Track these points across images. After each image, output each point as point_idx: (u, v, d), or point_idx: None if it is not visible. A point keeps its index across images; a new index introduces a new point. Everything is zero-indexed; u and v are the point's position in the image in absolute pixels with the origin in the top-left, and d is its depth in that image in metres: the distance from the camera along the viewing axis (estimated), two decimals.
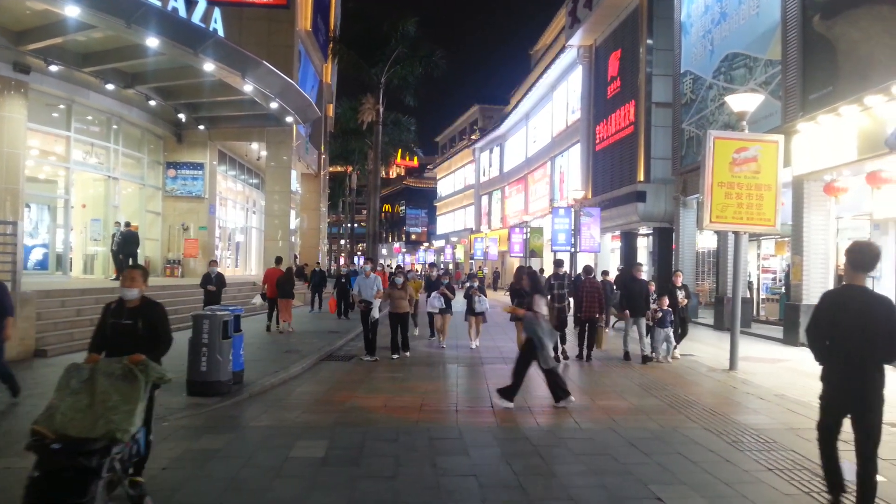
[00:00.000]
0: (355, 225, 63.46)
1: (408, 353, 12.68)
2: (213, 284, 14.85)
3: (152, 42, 15.42)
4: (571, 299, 14.01)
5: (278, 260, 17.52)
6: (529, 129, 43.06)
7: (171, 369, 9.29)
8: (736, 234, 11.74)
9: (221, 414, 7.80)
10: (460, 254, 55.55)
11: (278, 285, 16.13)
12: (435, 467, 5.87)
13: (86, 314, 13.68)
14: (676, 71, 21.81)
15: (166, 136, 23.78)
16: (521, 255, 31.73)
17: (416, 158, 73.78)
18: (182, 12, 16.36)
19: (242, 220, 31.15)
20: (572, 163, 33.38)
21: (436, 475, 5.66)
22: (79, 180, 20.98)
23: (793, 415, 8.04)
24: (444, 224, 70.08)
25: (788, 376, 10.70)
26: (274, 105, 20.82)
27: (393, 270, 18.05)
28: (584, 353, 12.58)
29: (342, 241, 64.37)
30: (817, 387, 4.95)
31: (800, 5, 14.91)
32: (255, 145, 26.90)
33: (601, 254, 29.77)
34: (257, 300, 17.53)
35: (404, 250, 79.52)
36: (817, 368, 4.92)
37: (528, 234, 31.45)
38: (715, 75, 18.90)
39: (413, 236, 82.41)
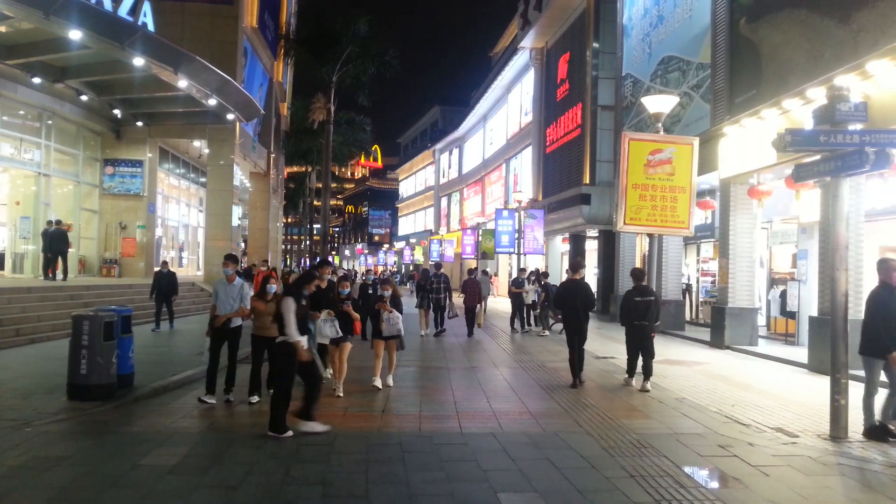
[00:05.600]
0: (317, 226, 62.73)
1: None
2: None
3: (75, 35, 15.00)
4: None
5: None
6: (487, 130, 42.97)
7: (55, 373, 9.01)
8: (650, 236, 11.67)
9: (94, 419, 7.45)
10: (419, 255, 55.23)
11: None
12: (287, 475, 5.63)
13: None
14: (618, 74, 21.86)
15: (105, 133, 23.22)
16: (473, 256, 31.59)
17: (379, 159, 73.37)
18: (107, 5, 15.89)
19: (187, 218, 30.56)
20: (525, 165, 33.38)
21: (282, 484, 5.43)
22: (6, 177, 20.33)
23: (684, 419, 7.96)
24: (405, 226, 69.68)
25: (699, 380, 10.65)
26: (212, 102, 20.37)
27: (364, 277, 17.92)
28: (469, 330, 16.96)
29: (305, 242, 63.56)
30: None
31: (728, 9, 14.97)
32: (197, 143, 26.41)
33: (552, 256, 29.84)
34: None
35: (367, 251, 79.00)
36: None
37: (480, 237, 31.32)
38: (652, 78, 18.93)
39: (376, 237, 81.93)
